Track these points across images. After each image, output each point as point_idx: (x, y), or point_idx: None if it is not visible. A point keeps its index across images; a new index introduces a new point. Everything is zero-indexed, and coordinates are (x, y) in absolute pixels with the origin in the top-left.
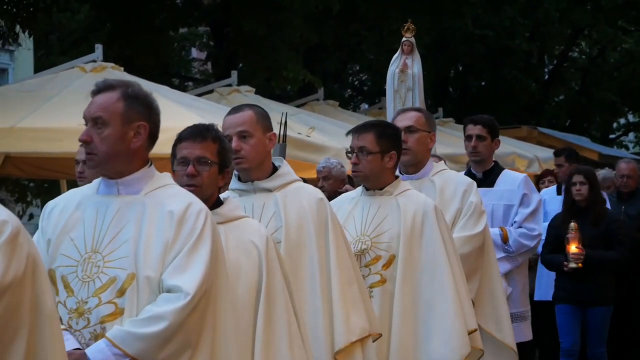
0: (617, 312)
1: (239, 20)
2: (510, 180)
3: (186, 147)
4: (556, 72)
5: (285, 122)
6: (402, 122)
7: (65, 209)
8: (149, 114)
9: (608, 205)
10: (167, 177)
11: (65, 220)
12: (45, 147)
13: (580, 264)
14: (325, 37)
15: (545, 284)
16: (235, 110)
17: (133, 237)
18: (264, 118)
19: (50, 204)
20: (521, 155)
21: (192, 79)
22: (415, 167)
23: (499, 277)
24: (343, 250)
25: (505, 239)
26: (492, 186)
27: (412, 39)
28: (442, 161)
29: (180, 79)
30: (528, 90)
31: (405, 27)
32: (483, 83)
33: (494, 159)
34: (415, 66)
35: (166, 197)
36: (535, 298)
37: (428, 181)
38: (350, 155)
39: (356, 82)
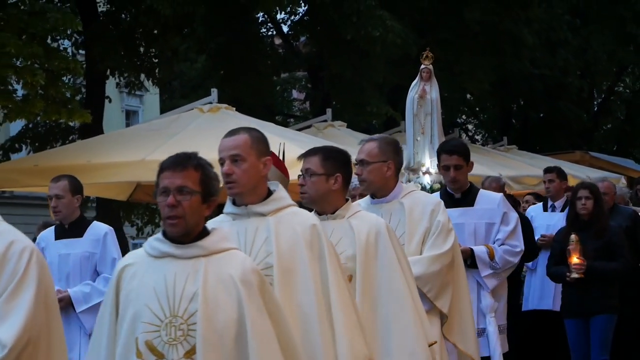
0: (622, 321)
1: (330, 65)
2: (489, 200)
3: (167, 176)
4: (604, 104)
5: (284, 151)
6: (357, 155)
7: None
8: None
9: None
10: None
11: None
12: None
13: (582, 274)
14: (405, 78)
15: (534, 295)
16: (230, 133)
17: None
18: (259, 142)
19: None
20: (575, 176)
21: (293, 116)
22: (381, 192)
23: (466, 291)
24: (340, 276)
25: (491, 256)
26: (472, 205)
27: (430, 67)
28: (412, 182)
29: (283, 116)
30: (580, 120)
31: (424, 55)
32: (541, 115)
33: (493, 187)
34: (433, 92)
35: None
36: (524, 309)
37: (397, 203)
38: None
39: None
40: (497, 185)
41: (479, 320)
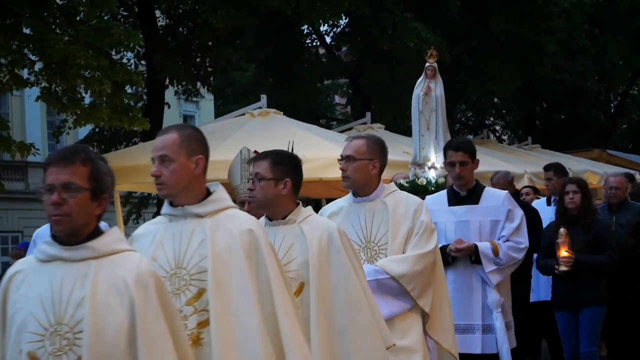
0: (611, 312)
1: (369, 73)
2: (494, 198)
3: (52, 172)
4: (620, 106)
5: (292, 149)
6: (344, 151)
7: None
8: None
9: None
10: None
11: None
12: (224, 175)
13: (569, 267)
14: None
15: (540, 287)
16: (161, 132)
17: None
18: (190, 140)
19: None
20: (594, 172)
21: (335, 119)
22: (363, 191)
23: (445, 291)
24: (283, 283)
25: (496, 252)
26: (477, 203)
27: (435, 65)
28: (393, 182)
29: (326, 119)
30: (598, 121)
31: (429, 54)
32: (562, 116)
33: (475, 178)
34: (438, 89)
35: None
36: (532, 300)
37: (380, 202)
38: (248, 182)
39: (463, 119)
40: (504, 181)
41: (485, 316)
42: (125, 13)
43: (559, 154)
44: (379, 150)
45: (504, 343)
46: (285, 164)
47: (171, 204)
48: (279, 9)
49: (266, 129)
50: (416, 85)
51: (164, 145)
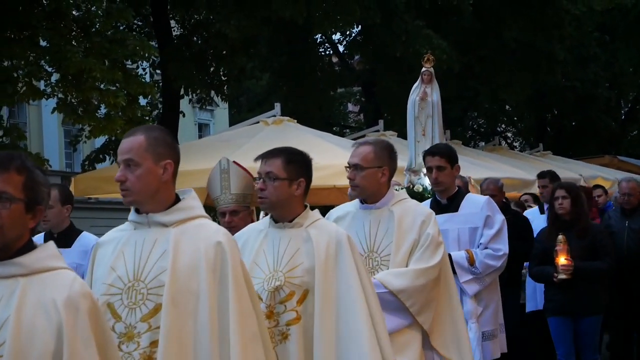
0: (618, 322)
1: (382, 80)
2: (474, 204)
3: None
4: (631, 112)
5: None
6: (351, 159)
7: None
8: None
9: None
10: None
11: None
12: None
13: (569, 275)
14: (449, 92)
15: (534, 296)
16: (127, 134)
17: None
18: (157, 144)
19: None
20: (605, 177)
21: (348, 127)
22: (372, 198)
23: (459, 306)
24: (246, 302)
25: (471, 262)
26: (457, 211)
27: (431, 69)
28: (404, 190)
29: (339, 127)
30: (609, 128)
31: (425, 58)
32: (574, 123)
33: (457, 185)
34: (434, 94)
35: None
36: (527, 310)
37: (387, 211)
38: (257, 181)
39: (474, 126)
40: (494, 187)
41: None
42: (140, 23)
43: (571, 160)
44: (387, 156)
45: (475, 353)
46: (299, 163)
47: (137, 211)
48: (292, 18)
49: (280, 137)
50: (412, 91)
51: (130, 148)
